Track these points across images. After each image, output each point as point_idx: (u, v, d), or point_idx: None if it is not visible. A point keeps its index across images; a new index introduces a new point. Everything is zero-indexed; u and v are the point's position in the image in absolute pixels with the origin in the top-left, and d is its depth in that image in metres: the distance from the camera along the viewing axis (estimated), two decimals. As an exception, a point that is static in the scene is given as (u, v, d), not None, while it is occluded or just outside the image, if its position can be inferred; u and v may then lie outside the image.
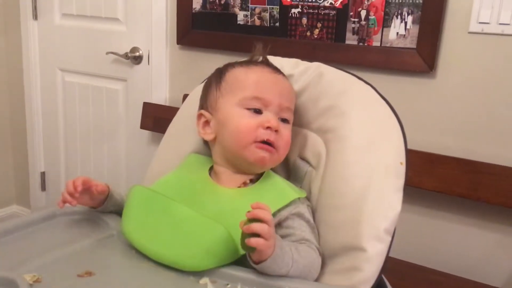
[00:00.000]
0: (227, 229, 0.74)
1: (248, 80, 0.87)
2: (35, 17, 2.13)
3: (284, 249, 0.72)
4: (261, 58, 0.93)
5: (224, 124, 0.86)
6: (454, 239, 1.44)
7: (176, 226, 0.77)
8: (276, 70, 0.91)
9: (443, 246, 1.46)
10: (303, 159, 0.93)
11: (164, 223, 0.78)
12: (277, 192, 0.85)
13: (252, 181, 0.88)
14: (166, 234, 0.77)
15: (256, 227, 0.68)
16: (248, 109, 0.85)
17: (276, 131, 0.84)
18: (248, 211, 0.69)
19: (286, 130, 0.87)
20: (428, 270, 1.43)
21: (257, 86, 0.86)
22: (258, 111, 0.85)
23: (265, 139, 0.83)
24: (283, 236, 0.81)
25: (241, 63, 0.92)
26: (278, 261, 0.71)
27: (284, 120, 0.88)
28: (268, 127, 0.83)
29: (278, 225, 0.82)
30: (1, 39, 2.24)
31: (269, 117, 0.84)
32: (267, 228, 0.68)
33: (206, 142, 0.94)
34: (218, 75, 0.91)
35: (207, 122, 0.90)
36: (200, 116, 0.91)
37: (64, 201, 0.84)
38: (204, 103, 0.91)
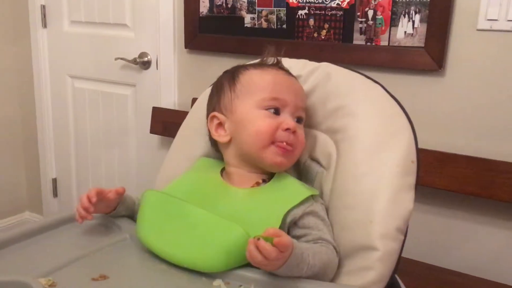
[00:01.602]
0: (244, 229, 0.74)
1: (264, 81, 0.87)
2: (45, 25, 2.16)
3: (298, 257, 0.71)
4: (273, 60, 0.93)
5: (242, 126, 0.86)
6: (467, 238, 1.43)
7: (192, 228, 0.77)
8: (289, 72, 0.92)
9: (455, 245, 1.45)
10: (314, 160, 0.93)
11: (180, 225, 0.79)
12: (289, 190, 0.85)
13: (265, 180, 0.88)
14: (183, 237, 0.77)
15: (264, 248, 0.67)
16: (267, 109, 0.85)
17: (294, 132, 0.84)
18: (260, 237, 0.68)
19: (301, 131, 0.88)
20: (441, 269, 1.42)
21: (274, 87, 0.86)
22: (276, 111, 0.85)
23: (284, 141, 0.83)
24: (299, 236, 0.81)
25: (254, 65, 0.92)
26: (291, 269, 0.71)
27: (299, 120, 0.88)
28: (287, 129, 0.83)
29: (294, 224, 0.82)
30: (11, 47, 2.26)
31: (287, 119, 0.85)
32: (274, 254, 0.67)
33: (214, 145, 0.94)
34: (231, 77, 0.91)
35: (220, 124, 0.89)
36: (212, 118, 0.90)
37: (81, 217, 0.85)
38: (217, 105, 0.91)
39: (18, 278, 0.70)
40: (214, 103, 0.92)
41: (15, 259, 0.79)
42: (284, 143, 0.84)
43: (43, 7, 2.14)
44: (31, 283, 0.68)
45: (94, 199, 0.83)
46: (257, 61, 0.96)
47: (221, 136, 0.89)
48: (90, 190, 0.84)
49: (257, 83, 0.87)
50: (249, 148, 0.85)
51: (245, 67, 0.91)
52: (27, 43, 2.21)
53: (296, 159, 0.89)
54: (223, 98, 0.89)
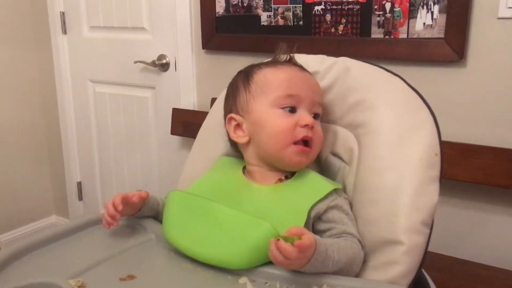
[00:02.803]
0: (272, 225, 0.74)
1: (278, 79, 0.87)
2: (64, 31, 2.19)
3: (323, 254, 0.71)
4: (286, 57, 0.93)
5: (260, 126, 0.86)
6: (494, 230, 1.41)
7: (219, 226, 0.78)
8: (303, 68, 0.91)
9: (482, 237, 1.43)
10: (335, 155, 0.93)
11: (206, 224, 0.79)
12: (312, 185, 0.85)
13: (287, 177, 0.88)
14: (210, 235, 0.78)
15: (284, 249, 0.67)
16: (282, 108, 0.85)
17: (312, 127, 0.84)
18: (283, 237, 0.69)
19: (318, 126, 0.87)
20: (468, 262, 1.40)
21: (289, 84, 0.86)
22: (292, 110, 0.85)
23: (303, 137, 0.83)
24: (323, 231, 0.81)
25: (267, 64, 0.92)
26: (316, 266, 0.71)
27: (316, 116, 0.88)
28: (305, 125, 0.83)
29: (318, 219, 0.82)
30: (33, 54, 2.31)
31: (304, 115, 0.85)
32: (294, 254, 0.67)
33: (234, 145, 0.94)
34: (245, 77, 0.91)
35: (238, 125, 0.90)
36: (230, 119, 0.90)
37: (108, 223, 0.86)
38: (233, 106, 0.91)
39: (48, 280, 0.71)
40: (231, 104, 0.92)
41: (45, 261, 0.81)
42: (304, 138, 0.83)
43: (62, 14, 2.17)
44: (61, 285, 0.70)
45: (120, 207, 0.84)
46: (270, 59, 0.96)
47: (240, 137, 0.89)
48: (115, 197, 0.85)
49: (271, 82, 0.87)
50: (269, 148, 0.85)
51: (258, 66, 0.91)
52: (48, 50, 2.25)
53: (315, 156, 0.89)
54: (239, 99, 0.90)
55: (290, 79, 0.87)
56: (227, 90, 0.95)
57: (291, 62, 0.92)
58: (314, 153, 0.88)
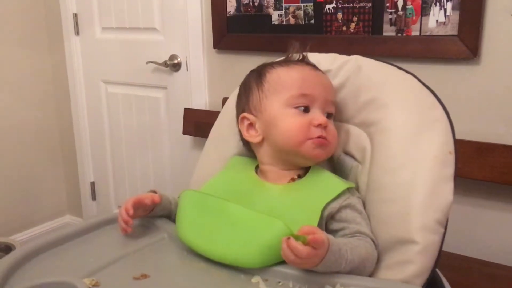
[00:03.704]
0: (286, 224, 0.73)
1: (292, 78, 0.87)
2: (77, 32, 2.21)
3: (336, 254, 0.71)
4: (299, 57, 0.93)
5: (273, 125, 0.86)
6: (509, 229, 1.39)
7: (233, 225, 0.78)
8: (315, 67, 0.91)
9: (497, 237, 1.41)
10: (348, 154, 0.92)
11: (220, 223, 0.79)
12: (325, 184, 0.84)
13: (300, 176, 0.88)
14: (224, 234, 0.78)
15: (294, 248, 0.67)
16: (296, 107, 0.85)
17: (326, 127, 0.84)
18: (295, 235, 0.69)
19: (332, 125, 0.87)
20: (483, 262, 1.39)
21: (302, 83, 0.86)
22: (306, 109, 0.85)
23: (318, 137, 0.83)
24: (336, 230, 0.81)
25: (280, 63, 0.91)
26: (329, 265, 0.71)
27: (329, 116, 0.88)
28: (318, 125, 0.83)
29: (331, 218, 0.82)
30: (46, 55, 2.33)
31: (317, 115, 0.84)
32: (305, 253, 0.67)
33: (247, 144, 0.94)
34: (258, 76, 0.90)
35: (251, 125, 0.89)
36: (243, 119, 0.90)
37: (123, 229, 0.86)
38: (246, 105, 0.91)
39: (63, 279, 0.72)
40: (243, 103, 0.92)
41: (59, 260, 0.81)
42: (319, 138, 0.83)
43: (75, 16, 2.19)
44: (76, 284, 0.70)
45: (131, 212, 0.85)
46: (282, 58, 0.95)
47: (253, 137, 0.89)
48: (126, 203, 0.86)
49: (284, 81, 0.87)
50: (285, 144, 0.85)
51: (271, 65, 0.91)
52: (61, 51, 2.27)
53: (332, 152, 0.88)
54: (252, 98, 0.89)
55: (304, 79, 0.86)
56: (239, 90, 0.95)
57: (304, 61, 0.92)
58: (331, 150, 0.87)
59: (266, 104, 0.87)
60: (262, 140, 0.88)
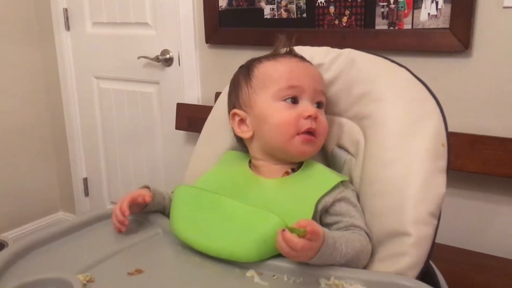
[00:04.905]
0: (280, 218, 0.74)
1: (279, 71, 0.87)
2: (68, 28, 2.19)
3: (331, 247, 0.71)
4: (286, 49, 0.92)
5: (263, 120, 0.86)
6: (502, 221, 1.40)
7: (228, 220, 0.78)
8: (303, 58, 0.91)
9: (490, 228, 1.42)
10: (341, 147, 0.92)
11: (215, 217, 0.80)
12: (319, 178, 0.85)
13: (294, 170, 0.88)
14: (218, 228, 0.78)
15: (289, 240, 0.68)
16: (284, 100, 0.85)
17: (316, 118, 0.84)
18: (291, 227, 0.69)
19: (322, 116, 0.87)
20: (477, 254, 1.40)
21: (290, 75, 0.86)
22: (294, 100, 0.85)
23: (307, 129, 0.83)
24: (331, 224, 0.81)
25: (267, 57, 0.91)
26: (324, 258, 0.71)
27: (320, 105, 0.88)
28: (308, 116, 0.83)
29: (325, 212, 0.82)
30: (37, 51, 2.31)
31: (306, 106, 0.84)
32: (300, 245, 0.67)
33: (240, 140, 0.94)
34: (246, 72, 0.91)
35: (242, 120, 0.90)
36: (234, 115, 0.91)
37: (117, 228, 0.87)
38: (236, 101, 0.91)
39: (58, 275, 0.72)
40: (233, 100, 0.92)
41: (53, 257, 0.81)
42: (308, 130, 0.83)
43: (65, 11, 2.17)
44: (70, 280, 0.70)
45: (127, 213, 0.85)
46: (270, 52, 0.95)
47: (244, 132, 0.90)
48: (122, 202, 0.86)
49: (272, 75, 0.87)
50: (273, 141, 0.85)
51: (259, 60, 0.91)
52: (51, 46, 2.25)
53: (320, 145, 0.88)
54: (241, 94, 0.90)
55: (291, 71, 0.86)
56: (230, 86, 0.95)
57: (291, 53, 0.92)
58: (319, 143, 0.87)
59: (255, 99, 0.87)
60: (253, 136, 0.89)
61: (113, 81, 2.14)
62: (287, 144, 0.84)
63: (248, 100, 0.88)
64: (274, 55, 0.91)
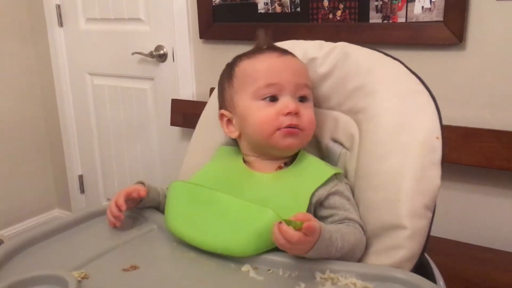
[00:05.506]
0: (275, 212, 0.74)
1: (256, 71, 0.86)
2: (61, 24, 2.18)
3: (327, 241, 0.71)
4: (266, 45, 0.92)
5: (245, 120, 0.86)
6: (497, 213, 1.41)
7: (223, 215, 0.78)
8: (283, 52, 0.89)
9: (485, 221, 1.43)
10: (336, 141, 0.92)
11: (210, 213, 0.80)
12: (313, 171, 0.85)
13: (287, 164, 0.88)
14: (214, 223, 0.78)
15: (285, 232, 0.68)
16: (264, 99, 0.84)
17: (297, 113, 0.83)
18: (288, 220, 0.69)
19: (307, 110, 0.86)
20: (472, 246, 1.40)
21: (267, 73, 0.85)
22: (273, 99, 0.84)
23: (288, 125, 0.83)
24: (325, 217, 0.81)
25: (247, 55, 0.90)
26: (320, 252, 0.71)
27: (304, 99, 0.87)
28: (288, 113, 0.82)
29: (320, 205, 0.82)
30: (30, 47, 2.30)
31: (286, 102, 0.83)
32: (296, 238, 0.67)
33: (233, 138, 0.94)
34: (229, 71, 0.91)
35: (229, 121, 0.90)
36: (222, 116, 0.91)
37: (112, 223, 0.87)
38: (222, 102, 0.92)
39: (52, 272, 0.71)
40: (221, 100, 0.93)
41: (48, 254, 0.81)
42: (289, 128, 0.83)
43: (58, 7, 2.16)
44: (65, 276, 0.70)
45: (123, 208, 0.85)
46: (252, 48, 0.94)
47: (232, 132, 0.90)
48: (118, 197, 0.86)
49: (250, 74, 0.86)
50: (257, 140, 0.86)
51: (239, 58, 0.91)
52: (45, 43, 2.24)
53: (308, 138, 0.88)
54: (226, 95, 0.90)
55: (269, 68, 0.85)
56: (218, 86, 0.95)
57: (271, 48, 0.90)
58: (306, 136, 0.86)
59: (237, 99, 0.87)
60: (240, 135, 0.89)
61: (107, 77, 2.13)
62: (269, 140, 0.84)
63: (231, 101, 0.89)
64: (254, 52, 0.90)
